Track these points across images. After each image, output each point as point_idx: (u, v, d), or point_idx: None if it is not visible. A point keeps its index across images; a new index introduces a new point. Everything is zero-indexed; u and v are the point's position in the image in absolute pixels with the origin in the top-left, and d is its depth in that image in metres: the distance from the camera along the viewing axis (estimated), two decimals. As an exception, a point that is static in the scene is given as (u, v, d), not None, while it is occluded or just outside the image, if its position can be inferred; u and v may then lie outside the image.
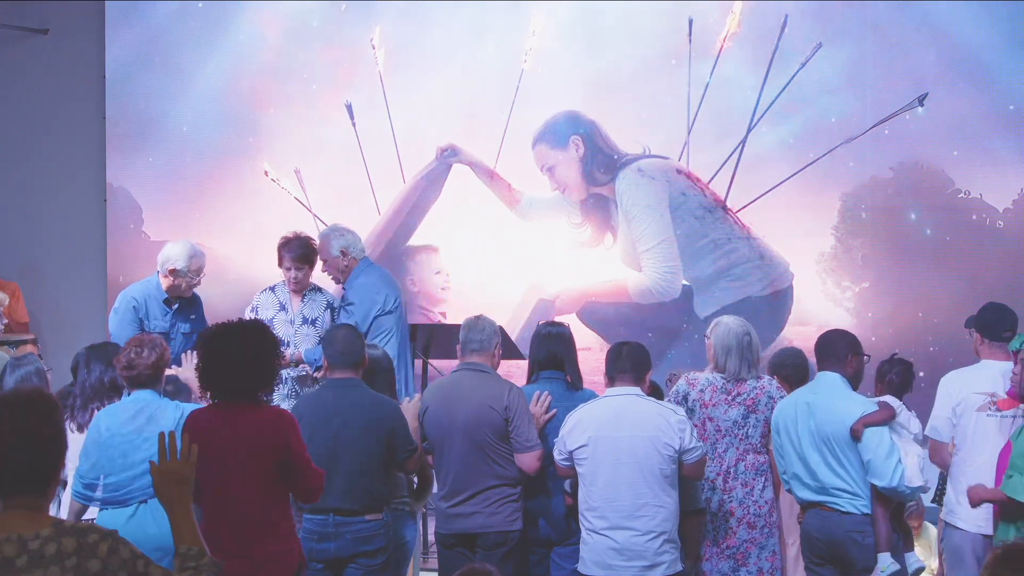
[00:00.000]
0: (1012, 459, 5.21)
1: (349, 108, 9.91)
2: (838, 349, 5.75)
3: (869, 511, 5.51)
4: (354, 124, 9.91)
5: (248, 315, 7.60)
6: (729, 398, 5.99)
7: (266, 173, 10.10)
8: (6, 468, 3.11)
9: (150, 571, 3.13)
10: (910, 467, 5.47)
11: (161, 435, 3.49)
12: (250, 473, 4.63)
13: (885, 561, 5.45)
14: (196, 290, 7.66)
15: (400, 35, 9.86)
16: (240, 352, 4.71)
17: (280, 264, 7.54)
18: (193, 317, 7.62)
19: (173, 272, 7.41)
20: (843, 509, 5.53)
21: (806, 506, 5.71)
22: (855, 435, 5.51)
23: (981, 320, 6.20)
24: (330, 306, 7.57)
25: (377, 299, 7.35)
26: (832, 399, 5.62)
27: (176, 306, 7.53)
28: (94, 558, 3.07)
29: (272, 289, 7.61)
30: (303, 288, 7.55)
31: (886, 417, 5.59)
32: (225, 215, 10.13)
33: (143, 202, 10.44)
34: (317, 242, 7.61)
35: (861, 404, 5.59)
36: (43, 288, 10.27)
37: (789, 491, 5.87)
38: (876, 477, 5.47)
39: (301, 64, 10.07)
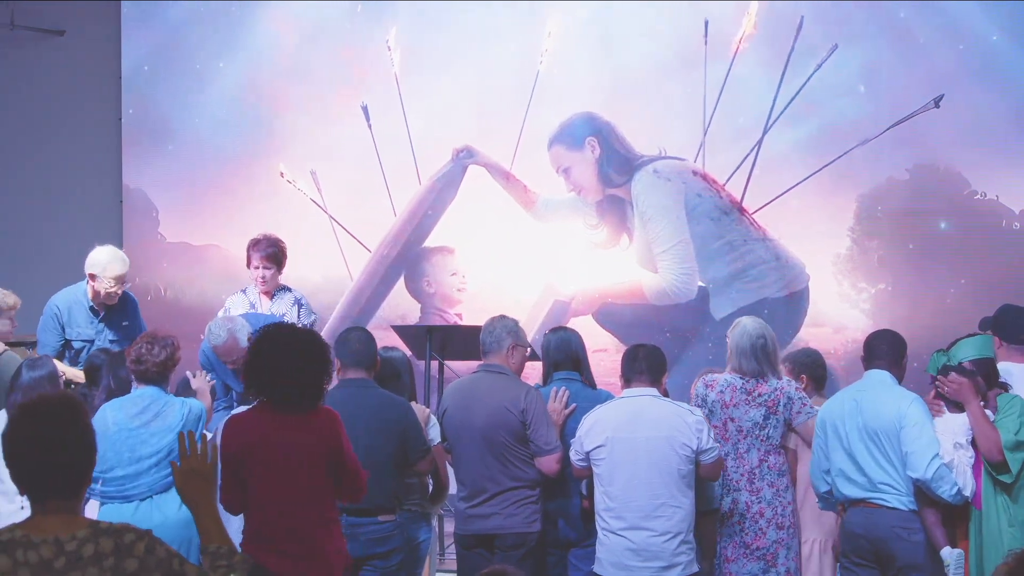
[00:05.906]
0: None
1: (365, 109, 9.92)
2: (896, 350, 5.69)
3: (915, 507, 5.43)
4: (370, 125, 9.91)
5: (220, 316, 7.54)
6: (749, 398, 5.93)
7: (282, 174, 10.11)
8: (39, 472, 3.13)
9: (185, 570, 3.15)
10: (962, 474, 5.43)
11: (181, 435, 3.50)
12: (307, 475, 4.59)
13: (950, 556, 5.30)
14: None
15: (416, 36, 9.86)
16: (296, 362, 4.62)
17: (248, 264, 7.62)
18: (125, 324, 7.40)
19: (92, 277, 7.24)
20: (889, 505, 5.44)
21: (850, 504, 5.61)
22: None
23: (999, 322, 6.19)
24: (298, 302, 7.63)
25: None
26: (879, 394, 5.57)
27: (103, 314, 7.34)
28: (131, 557, 3.09)
29: (244, 291, 7.71)
30: (272, 288, 7.60)
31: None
32: (241, 216, 10.12)
33: (159, 203, 10.46)
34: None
35: (909, 399, 5.51)
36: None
37: (826, 493, 5.74)
38: (910, 469, 5.38)
39: (317, 65, 10.08)
